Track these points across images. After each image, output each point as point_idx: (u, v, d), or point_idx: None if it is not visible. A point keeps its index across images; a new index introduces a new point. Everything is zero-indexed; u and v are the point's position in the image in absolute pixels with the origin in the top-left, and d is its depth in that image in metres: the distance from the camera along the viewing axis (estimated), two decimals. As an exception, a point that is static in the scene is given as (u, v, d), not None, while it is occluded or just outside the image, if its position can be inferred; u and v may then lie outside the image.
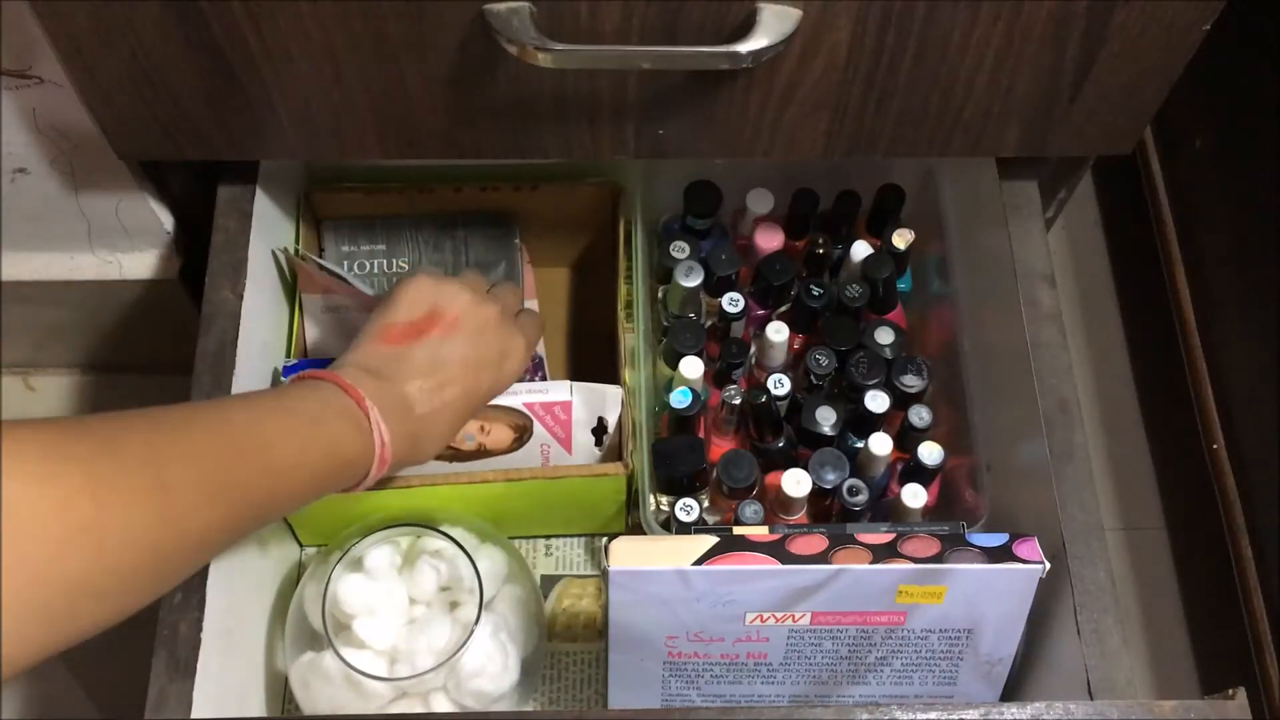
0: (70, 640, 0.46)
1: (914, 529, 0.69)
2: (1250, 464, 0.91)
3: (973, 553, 0.63)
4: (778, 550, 0.63)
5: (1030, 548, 0.64)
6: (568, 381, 0.76)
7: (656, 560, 0.63)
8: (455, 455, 0.77)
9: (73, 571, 0.44)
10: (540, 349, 0.88)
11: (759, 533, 0.68)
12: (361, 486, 0.62)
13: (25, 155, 0.79)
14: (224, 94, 0.64)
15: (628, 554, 0.63)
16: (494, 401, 0.71)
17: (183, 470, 0.50)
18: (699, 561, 0.63)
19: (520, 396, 0.75)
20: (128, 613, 0.48)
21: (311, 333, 0.82)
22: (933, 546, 0.63)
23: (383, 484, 0.74)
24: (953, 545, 0.63)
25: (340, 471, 0.60)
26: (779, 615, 0.66)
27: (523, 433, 0.77)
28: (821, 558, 0.63)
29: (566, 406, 0.76)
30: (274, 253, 0.78)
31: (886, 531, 0.66)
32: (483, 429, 0.76)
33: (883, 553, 0.63)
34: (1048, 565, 0.63)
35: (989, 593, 0.64)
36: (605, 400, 0.76)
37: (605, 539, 0.64)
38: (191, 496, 0.50)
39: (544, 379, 0.84)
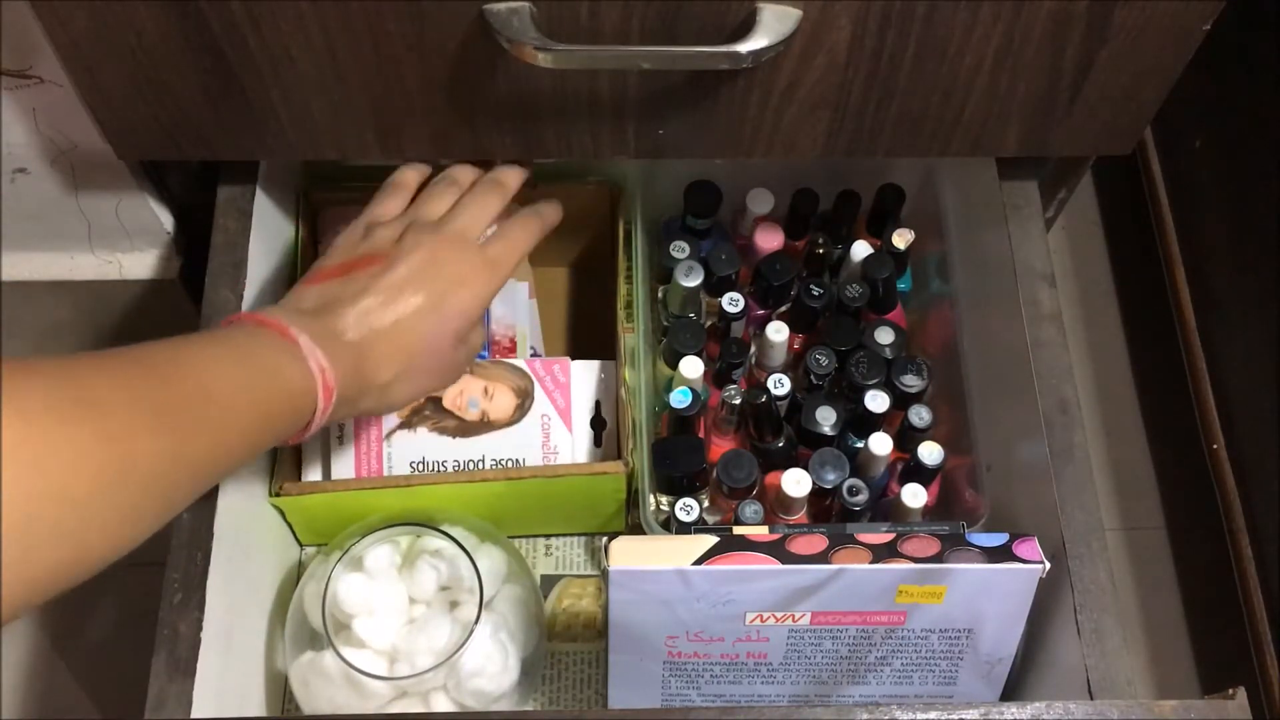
0: (32, 594, 0.43)
1: (914, 529, 0.69)
2: (1250, 464, 0.91)
3: (973, 552, 0.63)
4: (778, 550, 0.63)
5: (1030, 548, 0.64)
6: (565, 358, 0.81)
7: (656, 560, 0.63)
8: (460, 426, 0.78)
9: (20, 503, 0.42)
10: (539, 347, 0.88)
11: (759, 533, 0.68)
12: (317, 420, 0.58)
13: (25, 155, 0.79)
14: (224, 94, 0.64)
15: (628, 554, 0.63)
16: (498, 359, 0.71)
17: (111, 391, 0.48)
18: (699, 561, 0.63)
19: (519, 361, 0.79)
20: (94, 558, 0.46)
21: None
22: (933, 546, 0.63)
23: (382, 484, 0.75)
24: (953, 545, 0.63)
25: (286, 401, 0.57)
26: (779, 615, 0.66)
27: (524, 398, 0.77)
28: (821, 557, 0.63)
29: (565, 367, 0.79)
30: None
31: (886, 531, 0.66)
32: (486, 391, 0.77)
33: (883, 552, 0.63)
34: (1048, 565, 0.63)
35: (989, 592, 0.64)
36: (600, 375, 0.79)
37: (605, 539, 0.64)
38: (125, 417, 0.47)
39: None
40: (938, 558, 0.63)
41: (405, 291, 0.63)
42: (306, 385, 0.57)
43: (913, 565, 0.63)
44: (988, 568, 0.63)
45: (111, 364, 0.50)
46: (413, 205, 0.69)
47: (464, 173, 0.71)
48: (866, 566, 0.63)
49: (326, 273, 0.64)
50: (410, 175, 0.71)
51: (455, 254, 0.65)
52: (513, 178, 0.71)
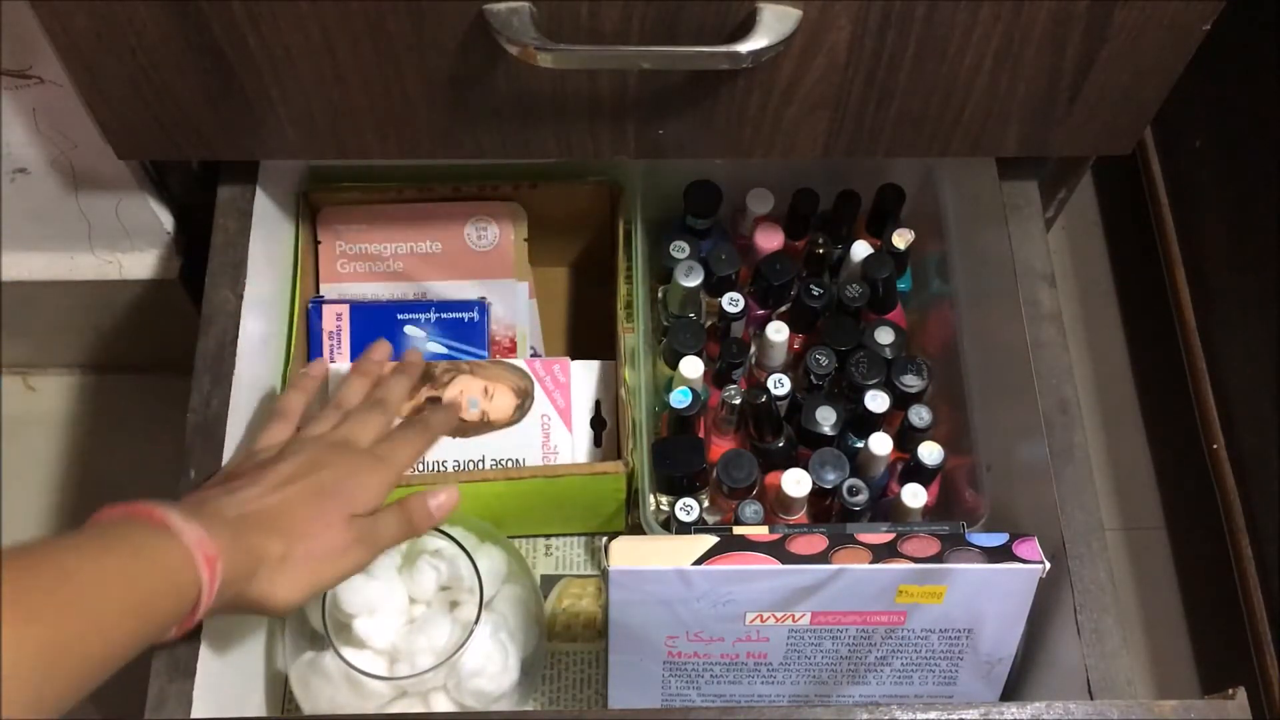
0: None
1: (914, 529, 0.69)
2: (1250, 464, 0.91)
3: (973, 552, 0.63)
4: (778, 550, 0.63)
5: (1030, 548, 0.64)
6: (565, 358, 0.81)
7: (656, 560, 0.63)
8: (460, 426, 0.78)
9: None
10: (539, 347, 0.88)
11: (759, 533, 0.68)
12: (205, 598, 0.53)
13: (25, 155, 0.79)
14: (224, 94, 0.64)
15: (628, 554, 0.63)
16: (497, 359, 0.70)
17: None
18: (699, 561, 0.63)
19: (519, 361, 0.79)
20: None
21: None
22: (933, 546, 0.63)
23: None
24: (953, 545, 0.63)
25: (163, 578, 0.52)
26: (779, 615, 0.66)
27: (524, 398, 0.77)
28: (821, 557, 0.63)
29: (565, 367, 0.79)
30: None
31: (886, 531, 0.66)
32: (486, 391, 0.77)
33: (883, 552, 0.63)
34: (1048, 565, 0.63)
35: (989, 592, 0.64)
36: (600, 375, 0.78)
37: (605, 538, 0.64)
38: None
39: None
40: (938, 558, 0.63)
41: (287, 481, 0.60)
42: (183, 558, 0.52)
43: (913, 565, 0.63)
44: (988, 568, 0.63)
45: None
46: (297, 431, 0.67)
47: (348, 395, 0.69)
48: (866, 566, 0.63)
49: (207, 486, 0.62)
50: (293, 400, 0.69)
51: (339, 453, 0.63)
52: (396, 393, 0.70)
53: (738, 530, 0.71)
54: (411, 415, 0.79)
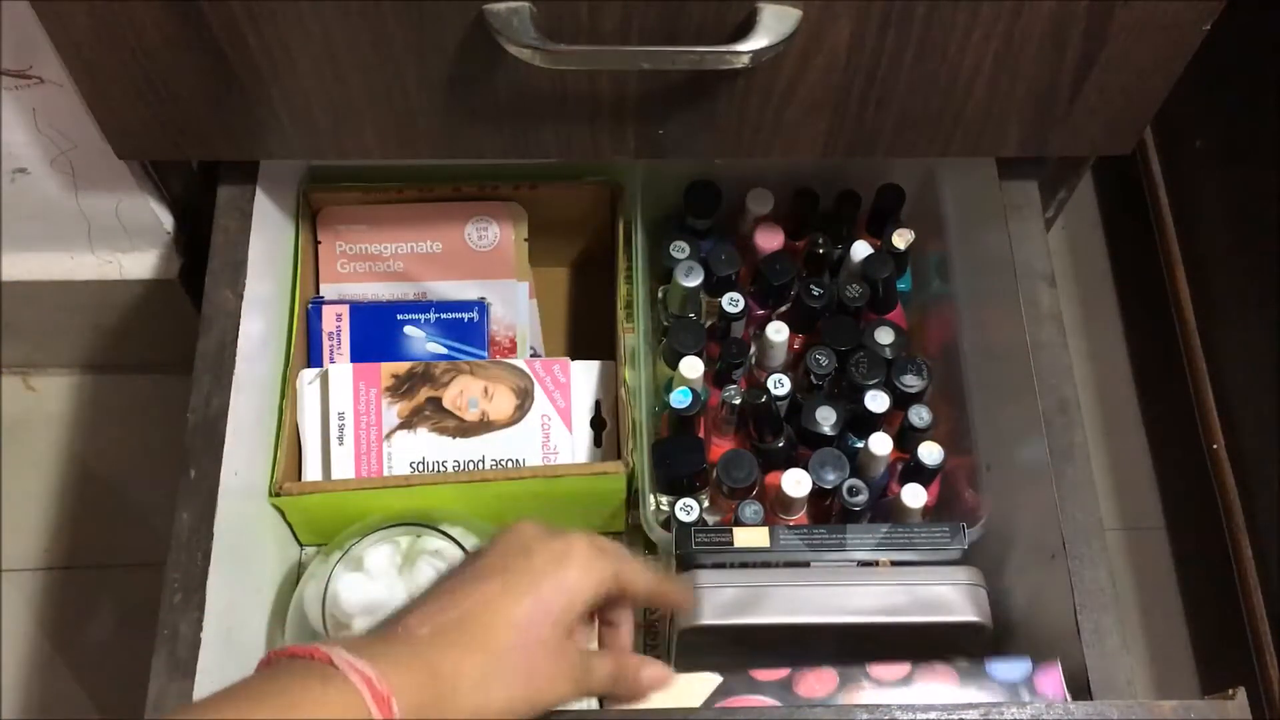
0: None
1: (930, 664, 0.65)
2: (1250, 464, 0.91)
3: (993, 688, 0.62)
4: (784, 694, 0.61)
5: (1053, 680, 0.62)
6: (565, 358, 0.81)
7: (662, 701, 0.59)
8: (460, 426, 0.78)
9: None
10: (539, 347, 0.88)
11: (766, 673, 0.64)
12: None
13: (25, 155, 0.79)
14: (224, 94, 0.64)
15: None
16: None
17: None
18: (706, 704, 0.61)
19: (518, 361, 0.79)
20: None
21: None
22: (950, 678, 0.62)
23: (382, 484, 0.75)
24: (972, 678, 0.62)
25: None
26: None
27: (524, 398, 0.77)
28: (829, 700, 0.61)
29: (565, 367, 0.79)
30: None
31: (902, 663, 0.64)
32: (486, 391, 0.77)
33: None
34: (1070, 701, 0.61)
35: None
36: (600, 375, 0.78)
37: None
38: None
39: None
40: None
41: (483, 577, 0.53)
42: (349, 702, 0.47)
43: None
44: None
45: None
46: None
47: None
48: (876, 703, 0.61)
49: (407, 606, 0.54)
50: None
51: (548, 535, 0.55)
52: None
53: (749, 671, 0.66)
54: (411, 416, 0.79)
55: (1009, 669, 0.63)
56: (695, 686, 0.62)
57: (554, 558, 0.53)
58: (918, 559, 0.72)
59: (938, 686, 0.63)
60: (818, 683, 0.62)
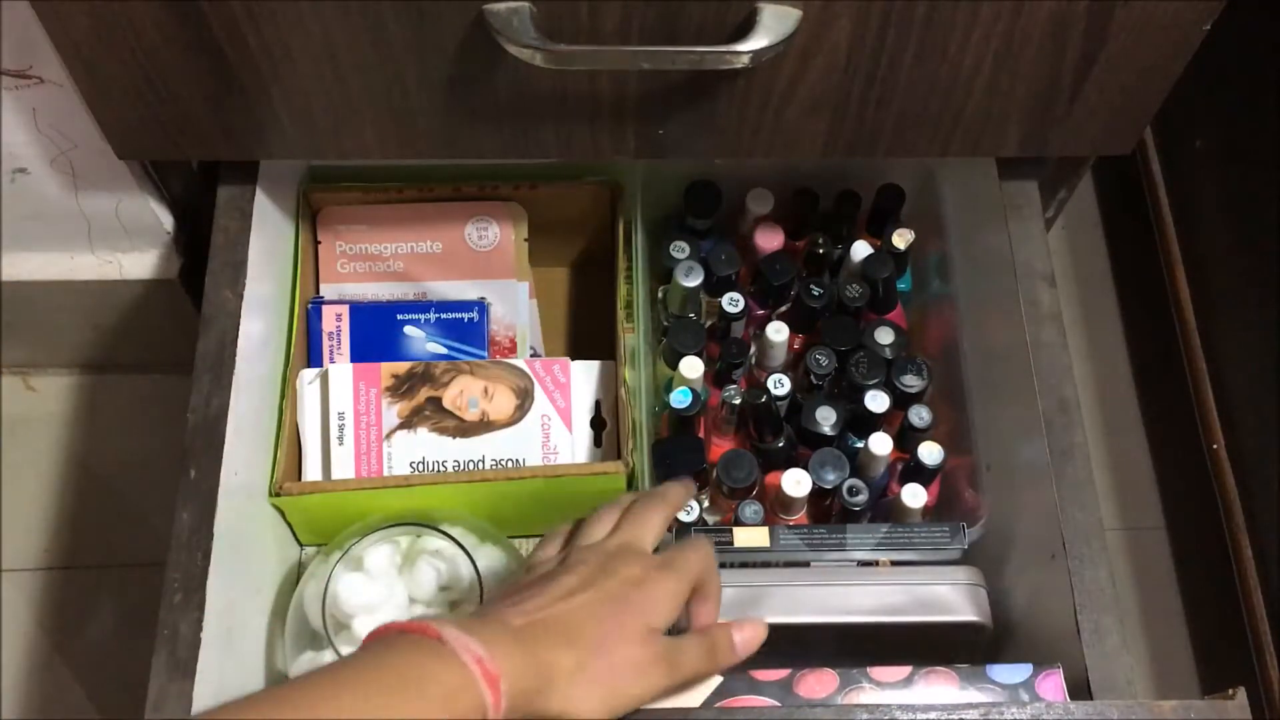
0: None
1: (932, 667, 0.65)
2: (1250, 464, 0.91)
3: (994, 690, 0.62)
4: (784, 694, 0.62)
5: (1053, 685, 0.62)
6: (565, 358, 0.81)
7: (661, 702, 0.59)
8: (459, 426, 0.78)
9: None
10: (539, 347, 0.88)
11: (767, 673, 0.64)
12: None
13: (25, 155, 0.79)
14: (224, 94, 0.64)
15: None
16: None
17: None
18: (705, 704, 0.61)
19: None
20: None
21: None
22: (951, 681, 0.63)
23: (382, 484, 0.75)
24: (972, 681, 0.63)
25: (442, 705, 0.49)
26: None
27: (524, 398, 0.77)
28: (830, 699, 0.62)
29: (565, 367, 0.79)
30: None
31: (902, 666, 0.63)
32: (486, 391, 0.77)
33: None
34: (1070, 704, 0.61)
35: None
36: (600, 375, 0.78)
37: None
38: None
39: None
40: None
41: (573, 591, 0.55)
42: (463, 680, 0.49)
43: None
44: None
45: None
46: (572, 535, 0.63)
47: (624, 496, 0.65)
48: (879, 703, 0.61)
49: (488, 603, 0.58)
50: (561, 527, 0.65)
51: (626, 560, 0.58)
52: (676, 492, 0.65)
53: (747, 672, 0.65)
54: (411, 416, 0.79)
55: (1010, 673, 0.63)
56: (695, 687, 0.62)
57: (632, 580, 0.57)
58: (918, 559, 0.72)
59: (938, 689, 0.63)
60: (818, 684, 0.62)
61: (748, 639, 0.60)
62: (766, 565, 0.71)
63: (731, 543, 0.70)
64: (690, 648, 0.58)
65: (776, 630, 0.64)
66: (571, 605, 0.55)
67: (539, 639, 0.53)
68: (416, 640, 0.50)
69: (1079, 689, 0.63)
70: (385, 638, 0.52)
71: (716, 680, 0.62)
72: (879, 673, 0.63)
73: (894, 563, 0.72)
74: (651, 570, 0.58)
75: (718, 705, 0.61)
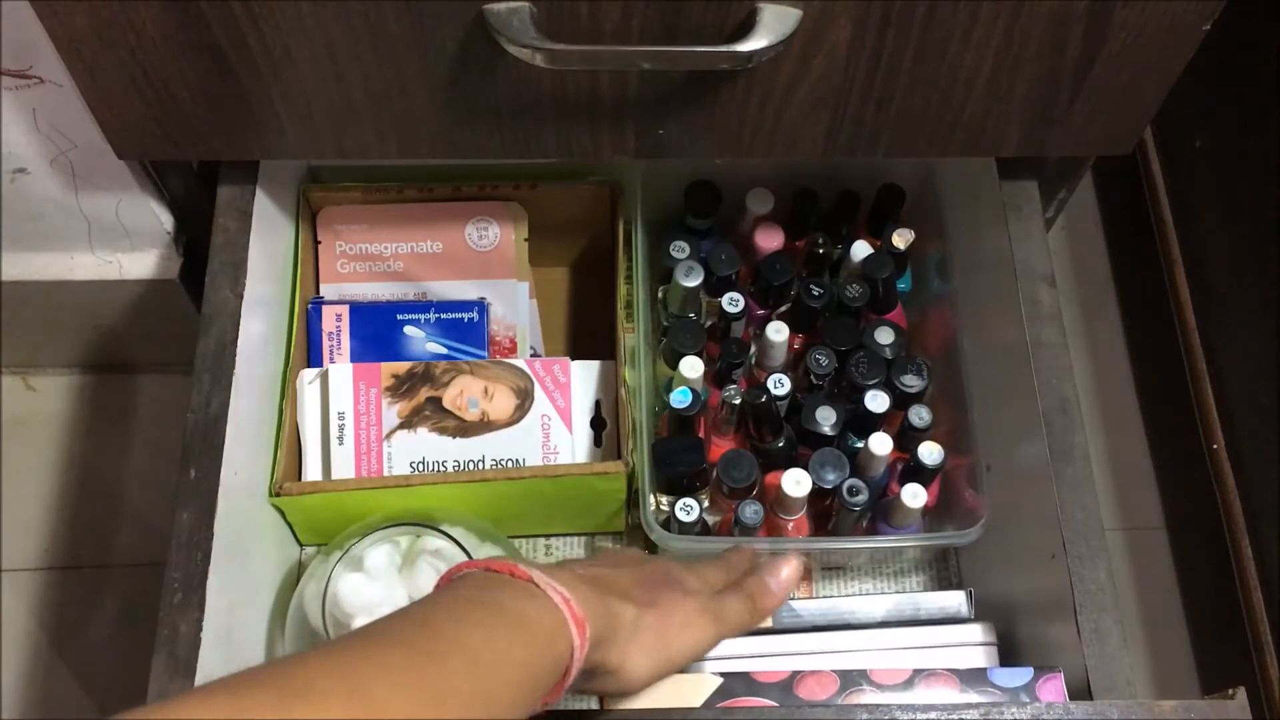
0: None
1: (934, 669, 0.65)
2: (1250, 464, 0.91)
3: (994, 693, 0.62)
4: (784, 695, 0.62)
5: (1054, 688, 0.62)
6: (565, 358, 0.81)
7: (661, 702, 0.60)
8: (460, 426, 0.78)
9: None
10: (539, 347, 0.88)
11: (767, 672, 0.65)
12: (575, 663, 0.51)
13: (25, 155, 0.79)
14: (224, 94, 0.64)
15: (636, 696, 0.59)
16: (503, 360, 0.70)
17: (386, 689, 0.43)
18: (706, 704, 0.61)
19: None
20: None
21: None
22: (951, 683, 0.63)
23: (382, 484, 0.75)
24: (973, 684, 0.62)
25: (546, 647, 0.50)
26: None
27: (524, 398, 0.77)
28: (830, 702, 0.62)
29: (565, 367, 0.79)
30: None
31: (902, 669, 0.64)
32: (486, 391, 0.77)
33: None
34: (1071, 705, 0.61)
35: None
36: (600, 375, 0.78)
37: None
38: (403, 709, 0.43)
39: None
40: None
41: (635, 567, 0.58)
42: (557, 623, 0.50)
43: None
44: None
45: (396, 653, 0.45)
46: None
47: (740, 559, 0.65)
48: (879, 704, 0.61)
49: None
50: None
51: (670, 585, 0.59)
52: (743, 557, 0.65)
53: (747, 668, 0.66)
54: (411, 416, 0.79)
55: (1011, 676, 0.63)
56: (695, 687, 0.62)
57: (677, 603, 0.57)
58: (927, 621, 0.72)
59: (939, 692, 0.63)
60: (818, 685, 0.62)
61: (784, 580, 0.61)
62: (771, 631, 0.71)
63: None
64: (732, 600, 0.59)
65: (777, 631, 0.64)
66: (620, 574, 0.57)
67: (608, 588, 0.54)
68: (507, 580, 0.51)
69: (1079, 689, 0.63)
70: (474, 575, 0.51)
71: (717, 680, 0.62)
72: (879, 675, 0.63)
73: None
74: (690, 607, 0.57)
75: (718, 705, 0.61)
